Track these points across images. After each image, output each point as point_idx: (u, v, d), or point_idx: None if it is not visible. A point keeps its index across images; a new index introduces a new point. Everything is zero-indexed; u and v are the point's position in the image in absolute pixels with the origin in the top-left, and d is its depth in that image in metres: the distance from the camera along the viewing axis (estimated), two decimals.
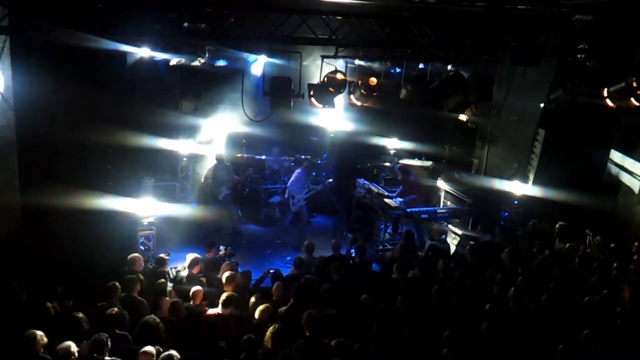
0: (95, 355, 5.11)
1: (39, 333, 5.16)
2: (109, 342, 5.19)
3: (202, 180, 11.07)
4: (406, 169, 11.50)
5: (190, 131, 11.29)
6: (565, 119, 9.77)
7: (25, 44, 6.84)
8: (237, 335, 5.61)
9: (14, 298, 6.03)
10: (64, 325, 5.68)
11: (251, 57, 9.21)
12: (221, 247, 8.60)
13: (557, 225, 8.79)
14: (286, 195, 10.80)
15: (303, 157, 12.34)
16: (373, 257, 9.67)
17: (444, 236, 9.48)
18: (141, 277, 6.85)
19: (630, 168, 10.28)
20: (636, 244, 8.25)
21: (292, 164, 12.30)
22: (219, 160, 10.70)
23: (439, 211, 10.63)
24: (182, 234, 10.21)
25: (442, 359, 5.39)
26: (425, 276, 7.44)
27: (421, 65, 9.83)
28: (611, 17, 7.83)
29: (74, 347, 5.10)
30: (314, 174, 12.39)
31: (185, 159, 11.86)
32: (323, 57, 8.19)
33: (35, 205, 7.25)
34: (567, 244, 8.20)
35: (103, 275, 6.84)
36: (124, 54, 7.46)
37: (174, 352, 5.08)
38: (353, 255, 8.48)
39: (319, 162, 13.40)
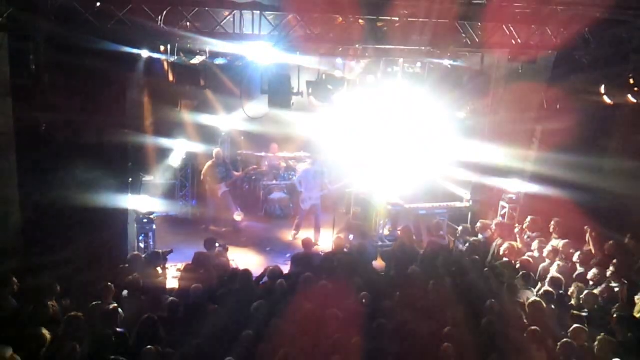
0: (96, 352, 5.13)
1: None
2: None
3: (201, 177, 11.08)
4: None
5: (189, 129, 11.31)
6: (562, 116, 9.76)
7: (25, 41, 6.85)
8: (238, 333, 5.63)
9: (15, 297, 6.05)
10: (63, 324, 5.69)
11: (250, 55, 9.21)
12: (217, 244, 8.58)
13: (552, 222, 8.81)
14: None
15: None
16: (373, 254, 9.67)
17: (442, 232, 9.50)
18: (137, 276, 6.77)
19: None
20: (629, 238, 8.28)
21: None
22: (218, 157, 10.70)
23: (437, 207, 10.66)
24: (182, 232, 10.21)
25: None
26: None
27: (419, 64, 9.82)
28: (609, 14, 7.83)
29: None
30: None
31: (184, 156, 11.86)
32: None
33: (34, 204, 7.27)
34: (563, 240, 8.21)
35: (102, 274, 6.86)
36: (124, 52, 7.46)
37: None
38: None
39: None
